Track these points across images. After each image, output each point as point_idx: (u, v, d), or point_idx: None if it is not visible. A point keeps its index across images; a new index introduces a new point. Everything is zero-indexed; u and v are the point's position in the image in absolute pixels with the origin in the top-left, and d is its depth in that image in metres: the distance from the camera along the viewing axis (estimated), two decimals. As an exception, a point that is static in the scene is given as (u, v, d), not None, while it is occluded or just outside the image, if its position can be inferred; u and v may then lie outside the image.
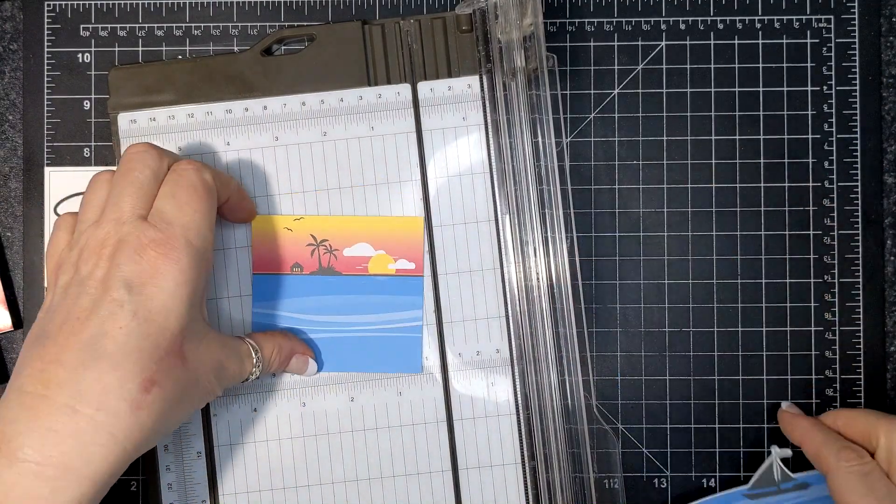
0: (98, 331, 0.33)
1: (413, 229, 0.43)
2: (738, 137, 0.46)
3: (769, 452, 0.44)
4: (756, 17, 0.46)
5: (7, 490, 0.30)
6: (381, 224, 0.43)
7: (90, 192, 0.37)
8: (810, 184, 0.46)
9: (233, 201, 0.41)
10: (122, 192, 0.36)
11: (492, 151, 0.44)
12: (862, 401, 0.46)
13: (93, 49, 0.46)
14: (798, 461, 0.43)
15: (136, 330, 0.33)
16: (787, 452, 0.43)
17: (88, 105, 0.46)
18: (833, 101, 0.46)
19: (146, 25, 0.46)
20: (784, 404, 0.45)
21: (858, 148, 0.46)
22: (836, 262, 0.46)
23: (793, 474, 0.43)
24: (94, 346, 0.32)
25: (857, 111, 0.46)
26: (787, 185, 0.46)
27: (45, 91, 0.46)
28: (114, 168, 0.38)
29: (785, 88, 0.46)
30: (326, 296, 0.44)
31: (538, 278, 0.42)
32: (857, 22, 0.46)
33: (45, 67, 0.46)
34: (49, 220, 0.45)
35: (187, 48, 0.46)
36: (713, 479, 0.45)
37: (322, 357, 0.44)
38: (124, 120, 0.44)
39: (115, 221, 0.35)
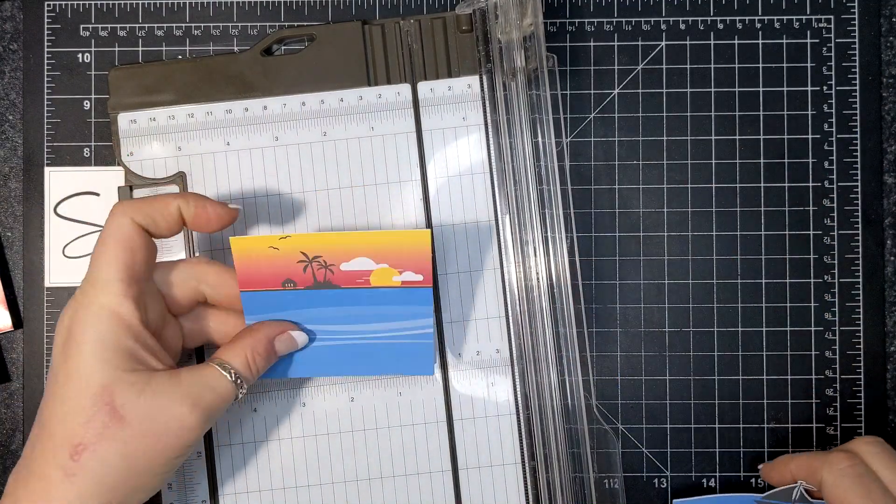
0: (43, 401, 0.34)
1: (420, 243, 0.38)
2: (738, 137, 0.46)
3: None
4: (756, 17, 0.46)
5: None
6: (382, 238, 0.38)
7: None
8: (810, 184, 0.46)
9: (191, 216, 0.37)
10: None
11: (492, 151, 0.44)
12: (862, 401, 0.46)
13: (93, 49, 0.46)
14: None
15: (59, 394, 0.33)
16: (813, 488, 0.41)
17: (88, 105, 0.46)
18: (833, 101, 0.46)
19: (146, 25, 0.46)
20: (760, 466, 0.44)
21: (858, 148, 0.46)
22: (836, 262, 0.46)
23: (812, 499, 0.41)
24: (39, 414, 0.34)
25: (857, 111, 0.46)
26: (787, 185, 0.46)
27: (45, 91, 0.46)
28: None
29: (785, 88, 0.46)
30: (326, 307, 0.40)
31: (538, 278, 0.42)
32: (857, 22, 0.46)
33: (45, 67, 0.46)
34: (49, 220, 0.45)
35: (187, 48, 0.46)
36: (713, 479, 0.45)
37: (327, 362, 0.41)
38: (124, 120, 0.44)
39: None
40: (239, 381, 0.37)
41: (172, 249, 0.44)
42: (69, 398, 0.33)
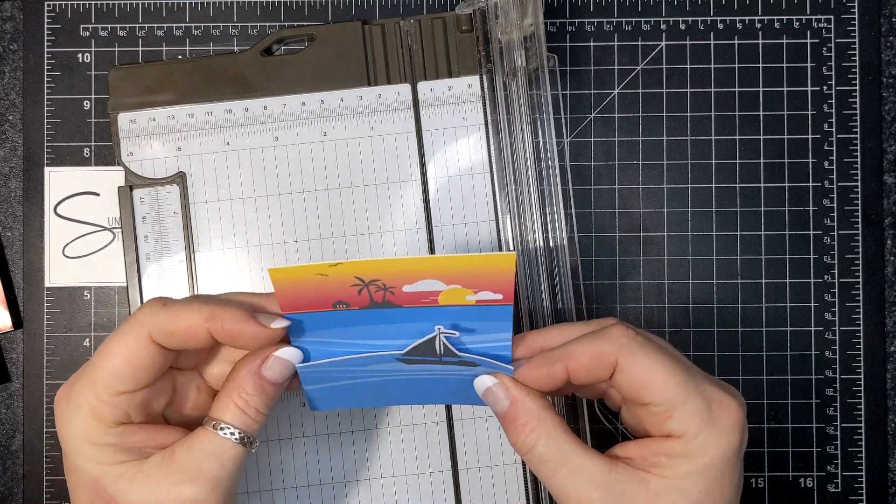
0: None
1: (504, 264, 0.33)
2: (738, 137, 0.46)
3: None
4: (756, 17, 0.47)
5: None
6: (455, 262, 0.33)
7: None
8: (810, 184, 0.46)
9: (224, 338, 0.34)
10: None
11: (492, 151, 0.44)
12: (862, 401, 0.46)
13: (93, 49, 0.46)
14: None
15: (69, 481, 0.34)
16: (455, 333, 0.35)
17: (88, 105, 0.46)
18: (833, 101, 0.46)
19: (146, 25, 0.46)
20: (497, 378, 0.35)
21: (858, 148, 0.46)
22: (836, 262, 0.46)
23: (458, 354, 0.35)
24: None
25: (857, 111, 0.46)
26: (787, 185, 0.46)
27: (45, 91, 0.46)
28: None
29: (785, 88, 0.46)
30: (386, 324, 0.35)
31: (539, 278, 0.42)
32: (857, 22, 0.46)
33: (45, 67, 0.46)
34: (49, 220, 0.45)
35: (187, 48, 0.46)
36: (713, 479, 0.45)
37: (394, 388, 0.37)
38: (124, 120, 0.44)
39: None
40: (239, 435, 0.33)
41: (172, 249, 0.44)
42: (73, 487, 0.34)
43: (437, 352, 0.35)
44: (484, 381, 0.35)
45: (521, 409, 0.34)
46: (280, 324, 0.34)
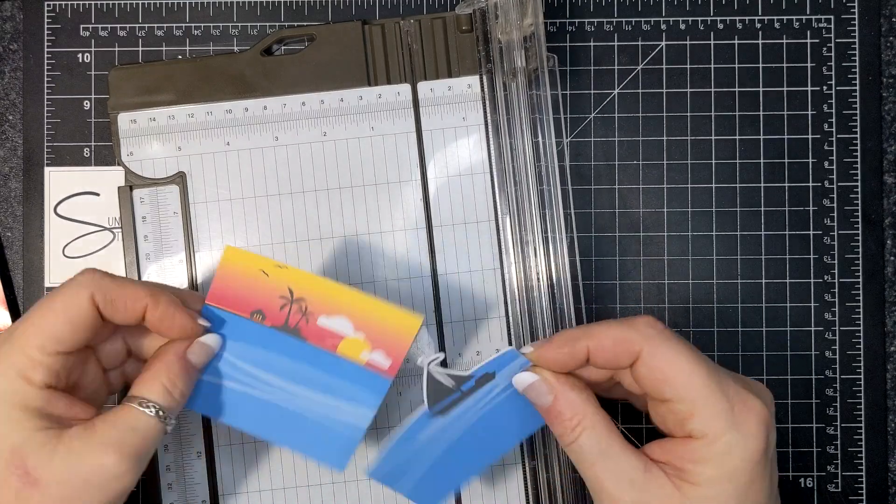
0: None
1: (407, 327, 0.37)
2: (738, 137, 0.46)
3: (422, 365, 0.37)
4: (756, 17, 0.46)
5: None
6: (373, 308, 0.37)
7: None
8: (810, 184, 0.46)
9: (155, 319, 0.35)
10: None
11: (492, 151, 0.44)
12: (862, 401, 0.46)
13: (93, 49, 0.46)
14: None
15: None
16: (441, 356, 0.37)
17: (88, 105, 0.46)
18: (833, 101, 0.46)
19: (146, 25, 0.46)
20: (529, 348, 0.37)
21: (858, 148, 0.46)
22: (836, 262, 0.46)
23: (466, 372, 0.37)
24: None
25: (857, 111, 0.46)
26: (787, 185, 0.46)
27: (45, 91, 0.46)
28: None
29: (785, 88, 0.46)
30: (279, 355, 0.38)
31: (538, 278, 0.42)
32: (857, 22, 0.46)
33: (45, 67, 0.46)
34: (49, 220, 0.45)
35: (187, 48, 0.46)
36: (713, 479, 0.45)
37: (244, 412, 0.38)
38: (124, 120, 0.44)
39: None
40: (162, 414, 0.34)
41: (172, 249, 0.44)
42: None
43: (448, 385, 0.37)
44: (524, 378, 0.35)
45: (564, 402, 0.34)
46: (204, 322, 0.37)
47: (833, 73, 0.46)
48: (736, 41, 0.46)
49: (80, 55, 0.46)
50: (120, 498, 0.33)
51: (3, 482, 0.31)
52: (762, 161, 0.46)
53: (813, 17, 0.47)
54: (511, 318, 0.44)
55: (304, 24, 0.46)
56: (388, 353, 0.38)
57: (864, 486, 0.46)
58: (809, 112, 0.46)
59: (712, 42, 0.47)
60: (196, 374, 0.37)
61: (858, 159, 0.46)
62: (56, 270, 0.45)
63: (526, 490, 0.44)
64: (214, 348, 0.37)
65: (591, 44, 0.47)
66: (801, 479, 0.46)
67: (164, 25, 0.46)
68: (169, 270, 0.44)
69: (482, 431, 0.38)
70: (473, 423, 0.38)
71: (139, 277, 0.44)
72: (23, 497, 0.31)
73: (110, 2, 0.46)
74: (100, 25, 0.46)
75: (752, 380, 0.35)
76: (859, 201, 0.46)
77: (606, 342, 0.34)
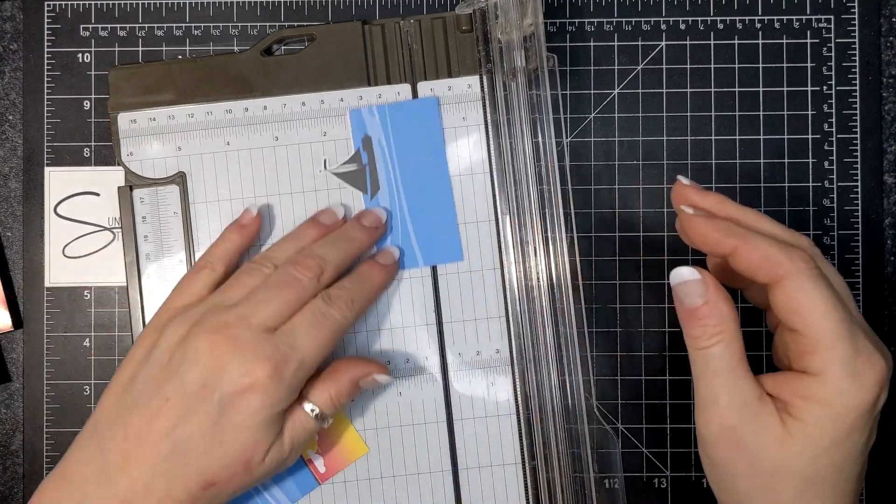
0: (180, 423, 0.36)
1: (353, 451, 0.44)
2: (738, 137, 0.46)
3: None
4: (756, 17, 0.46)
5: None
6: (337, 421, 0.44)
7: (248, 277, 0.40)
8: (810, 184, 0.46)
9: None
10: (270, 298, 0.38)
11: (492, 151, 0.44)
12: (862, 401, 0.46)
13: (93, 49, 0.46)
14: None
15: (213, 436, 0.36)
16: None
17: (88, 105, 0.46)
18: (833, 101, 0.46)
19: (146, 25, 0.46)
20: (683, 179, 0.38)
21: (858, 148, 0.46)
22: (836, 261, 0.46)
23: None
24: (174, 436, 0.36)
25: (857, 111, 0.46)
26: (787, 185, 0.46)
27: (45, 91, 0.46)
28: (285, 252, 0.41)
29: (785, 88, 0.46)
30: None
31: (538, 278, 0.42)
32: (857, 22, 0.46)
33: (45, 67, 0.46)
34: (49, 220, 0.45)
35: (187, 48, 0.46)
36: (713, 479, 0.45)
37: None
38: (124, 120, 0.44)
39: (243, 319, 0.37)
40: (322, 416, 0.39)
41: (172, 249, 0.44)
42: (226, 442, 0.36)
43: (351, 169, 0.44)
44: (683, 273, 0.35)
45: (714, 308, 0.35)
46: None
47: (833, 73, 0.46)
48: (736, 41, 0.46)
49: (80, 55, 0.46)
50: (284, 469, 0.40)
51: (232, 465, 0.37)
52: (762, 161, 0.46)
53: (813, 17, 0.47)
54: (511, 318, 0.44)
55: (304, 24, 0.46)
56: (327, 462, 0.43)
57: (863, 485, 0.46)
58: (809, 112, 0.46)
59: (712, 42, 0.47)
60: (357, 395, 0.42)
61: (858, 159, 0.46)
62: (56, 270, 0.45)
63: (526, 490, 0.44)
64: (384, 385, 0.43)
65: (591, 44, 0.47)
66: (801, 479, 0.46)
67: (164, 25, 0.46)
68: (169, 270, 0.44)
69: (414, 176, 0.44)
70: (405, 184, 0.44)
71: (139, 277, 0.44)
72: (237, 479, 0.37)
73: (110, 2, 0.46)
74: (100, 25, 0.46)
75: (883, 343, 0.35)
76: (859, 201, 0.46)
77: (755, 255, 0.34)
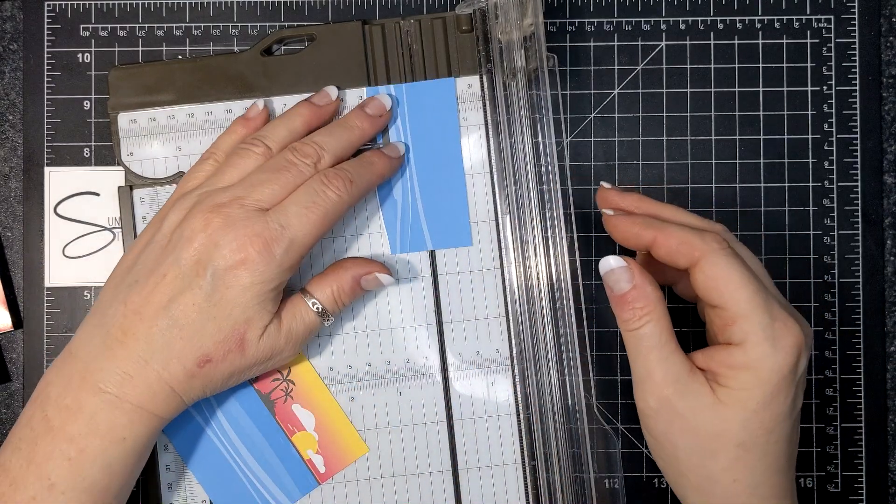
0: (176, 298, 0.37)
1: (353, 450, 0.44)
2: (738, 137, 0.46)
3: None
4: (756, 17, 0.46)
5: (93, 413, 0.37)
6: (339, 420, 0.44)
7: (240, 158, 0.40)
8: (810, 184, 0.46)
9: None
10: (265, 180, 0.39)
11: (492, 151, 0.44)
12: (862, 401, 0.46)
13: (93, 49, 0.46)
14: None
15: (206, 311, 0.37)
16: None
17: (88, 105, 0.46)
18: (833, 101, 0.46)
19: (146, 25, 0.46)
20: (605, 184, 0.42)
21: (858, 148, 0.46)
22: (836, 262, 0.46)
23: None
24: (169, 310, 0.37)
25: (857, 111, 0.46)
26: (787, 185, 0.46)
27: (45, 91, 0.46)
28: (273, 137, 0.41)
29: (785, 88, 0.46)
30: (247, 416, 0.43)
31: (538, 278, 0.42)
32: (857, 22, 0.46)
33: (45, 67, 0.46)
34: (49, 220, 0.45)
35: (187, 48, 0.46)
36: (713, 479, 0.45)
37: (197, 454, 0.43)
38: (124, 120, 0.44)
39: (237, 200, 0.38)
40: (324, 313, 0.41)
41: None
42: (220, 318, 0.38)
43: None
44: (610, 262, 0.38)
45: (641, 292, 0.37)
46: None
47: (833, 73, 0.46)
48: (736, 41, 0.46)
49: (80, 55, 0.46)
50: (282, 364, 0.41)
51: (225, 342, 0.38)
52: (762, 161, 0.46)
53: (813, 17, 0.47)
54: (511, 318, 0.44)
55: (304, 24, 0.46)
56: (327, 461, 0.43)
57: (863, 486, 0.46)
58: (809, 112, 0.46)
59: (712, 42, 0.47)
60: (359, 295, 0.43)
61: (858, 159, 0.46)
62: (56, 270, 0.45)
63: (526, 490, 0.44)
64: (386, 285, 0.43)
65: (591, 44, 0.47)
66: (801, 479, 0.46)
67: (164, 25, 0.46)
68: (169, 270, 0.44)
69: (428, 157, 0.44)
70: (419, 165, 0.44)
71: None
72: (231, 356, 0.38)
73: (110, 2, 0.46)
74: (100, 25, 0.46)
75: (800, 315, 0.38)
76: (859, 201, 0.46)
77: (672, 241, 0.37)
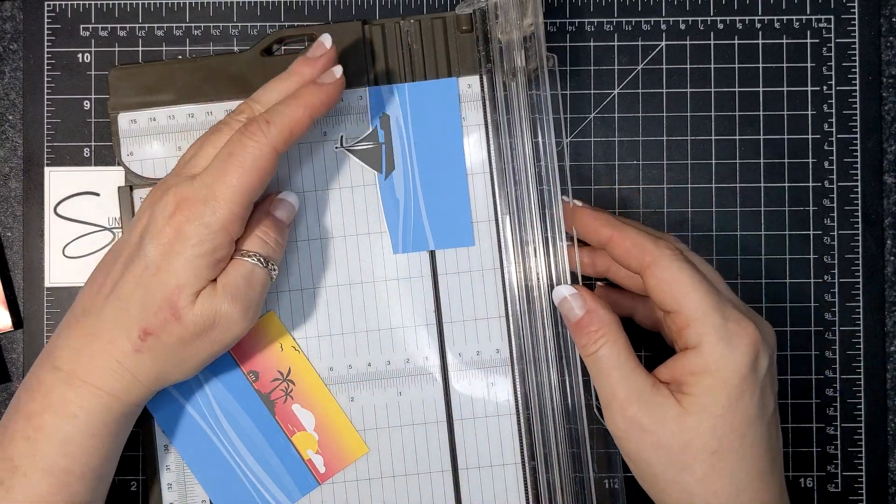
0: (123, 273, 0.38)
1: (353, 450, 0.44)
2: (738, 137, 0.46)
3: None
4: (756, 17, 0.46)
5: (48, 390, 0.37)
6: (339, 420, 0.44)
7: (217, 133, 0.39)
8: (810, 184, 0.46)
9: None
10: (199, 146, 0.39)
11: (492, 151, 0.44)
12: (862, 401, 0.46)
13: (93, 49, 0.46)
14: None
15: (144, 282, 0.37)
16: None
17: (88, 105, 0.46)
18: (833, 101, 0.46)
19: (146, 25, 0.46)
20: (573, 200, 0.42)
21: (858, 148, 0.46)
22: (836, 262, 0.46)
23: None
24: (118, 286, 0.38)
25: (857, 111, 0.46)
26: (787, 185, 0.46)
27: (45, 91, 0.46)
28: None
29: (785, 88, 0.46)
30: (247, 415, 0.43)
31: (538, 278, 0.42)
32: (857, 22, 0.46)
33: (45, 67, 0.46)
34: (49, 220, 0.45)
35: (187, 48, 0.46)
36: (713, 479, 0.45)
37: (197, 451, 0.43)
38: (124, 120, 0.44)
39: (176, 173, 0.39)
40: (263, 261, 0.39)
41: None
42: (152, 287, 0.37)
43: (367, 147, 0.44)
44: (561, 292, 0.40)
45: (594, 316, 0.39)
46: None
47: (833, 73, 0.46)
48: (736, 41, 0.46)
49: (80, 55, 0.46)
50: (234, 340, 0.39)
51: (159, 311, 0.37)
52: (762, 161, 0.46)
53: (813, 17, 0.47)
54: (511, 318, 0.44)
55: (304, 24, 0.46)
56: (327, 461, 0.43)
57: (863, 486, 0.46)
58: (809, 112, 0.46)
59: (712, 42, 0.47)
60: (287, 229, 0.42)
61: (858, 159, 0.46)
62: (56, 270, 0.45)
63: (526, 490, 0.44)
64: (294, 205, 0.42)
65: (591, 44, 0.47)
66: (801, 479, 0.46)
67: (164, 25, 0.46)
68: (169, 270, 0.44)
69: (430, 157, 0.44)
70: (421, 165, 0.44)
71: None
72: (169, 326, 0.37)
73: (110, 2, 0.46)
74: (100, 25, 0.46)
75: (759, 316, 0.39)
76: (859, 201, 0.46)
77: (627, 242, 0.39)
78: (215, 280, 0.38)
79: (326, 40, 0.40)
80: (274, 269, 0.40)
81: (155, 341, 0.37)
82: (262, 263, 0.39)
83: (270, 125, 0.37)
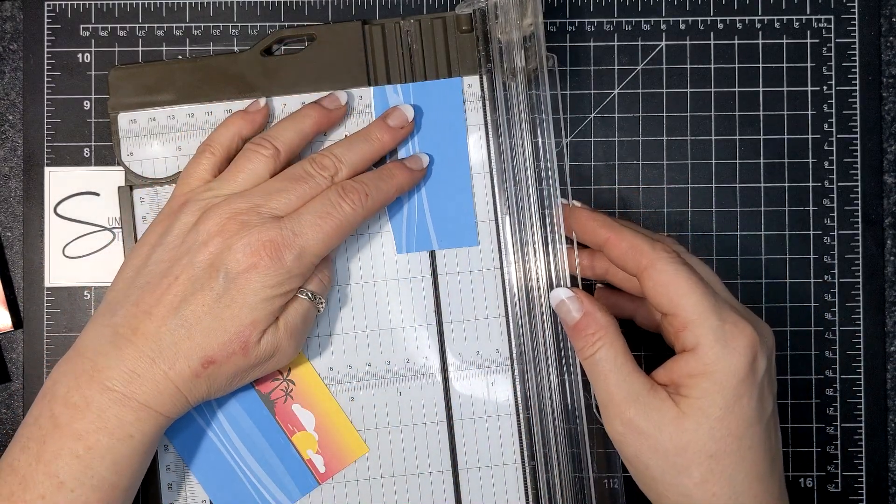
0: (187, 299, 0.38)
1: (353, 450, 0.44)
2: (738, 137, 0.46)
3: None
4: (756, 17, 0.46)
5: (101, 410, 0.37)
6: (339, 420, 0.44)
7: (248, 161, 0.41)
8: (810, 184, 0.46)
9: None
10: (282, 189, 0.39)
11: (492, 151, 0.44)
12: (862, 401, 0.46)
13: (93, 49, 0.46)
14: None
15: (215, 313, 0.38)
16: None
17: (88, 105, 0.46)
18: (833, 101, 0.46)
19: (146, 25, 0.46)
20: (572, 201, 0.42)
21: (858, 148, 0.46)
22: (836, 262, 0.46)
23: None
24: (180, 311, 0.38)
25: (857, 111, 0.46)
26: (787, 185, 0.46)
27: (45, 91, 0.46)
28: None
29: (785, 88, 0.46)
30: (247, 416, 0.43)
31: (538, 278, 0.42)
32: (857, 22, 0.46)
33: (45, 67, 0.46)
34: (49, 220, 0.45)
35: (187, 48, 0.46)
36: (713, 479, 0.45)
37: (198, 455, 0.43)
38: (124, 120, 0.44)
39: (254, 208, 0.39)
40: (314, 297, 0.41)
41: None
42: (224, 319, 0.38)
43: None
44: (558, 294, 0.40)
45: (591, 319, 0.39)
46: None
47: (833, 73, 0.46)
48: (736, 41, 0.46)
49: (80, 55, 0.46)
50: (285, 362, 0.41)
51: (230, 342, 0.38)
52: (762, 161, 0.46)
53: (813, 17, 0.47)
54: (511, 318, 0.44)
55: (304, 24, 0.46)
56: (327, 461, 0.43)
57: (864, 486, 0.46)
58: (809, 112, 0.46)
59: (712, 42, 0.47)
60: (333, 264, 0.44)
61: (858, 159, 0.46)
62: (56, 270, 0.45)
63: (526, 490, 0.44)
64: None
65: (591, 44, 0.47)
66: (801, 479, 0.46)
67: (164, 25, 0.46)
68: (169, 270, 0.44)
69: (434, 157, 0.44)
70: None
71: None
72: (234, 359, 0.38)
73: (110, 2, 0.46)
74: (100, 25, 0.46)
75: (757, 317, 0.39)
76: (859, 201, 0.46)
77: (623, 244, 0.39)
78: (278, 317, 0.40)
79: (409, 112, 0.43)
80: (321, 303, 0.41)
81: (216, 369, 0.38)
82: (315, 300, 0.41)
83: (369, 198, 0.40)
